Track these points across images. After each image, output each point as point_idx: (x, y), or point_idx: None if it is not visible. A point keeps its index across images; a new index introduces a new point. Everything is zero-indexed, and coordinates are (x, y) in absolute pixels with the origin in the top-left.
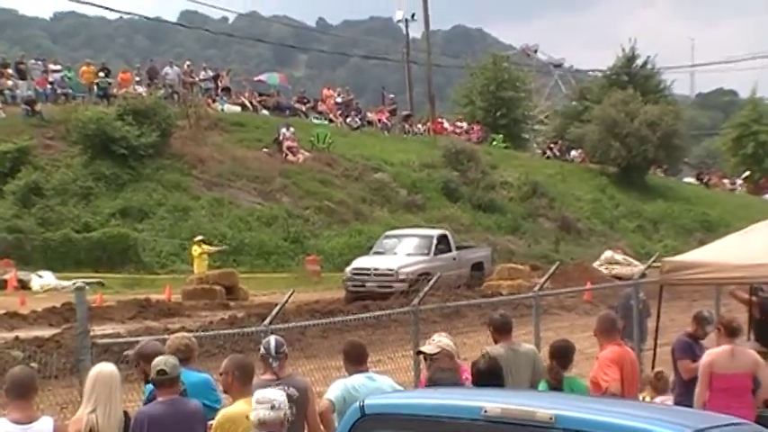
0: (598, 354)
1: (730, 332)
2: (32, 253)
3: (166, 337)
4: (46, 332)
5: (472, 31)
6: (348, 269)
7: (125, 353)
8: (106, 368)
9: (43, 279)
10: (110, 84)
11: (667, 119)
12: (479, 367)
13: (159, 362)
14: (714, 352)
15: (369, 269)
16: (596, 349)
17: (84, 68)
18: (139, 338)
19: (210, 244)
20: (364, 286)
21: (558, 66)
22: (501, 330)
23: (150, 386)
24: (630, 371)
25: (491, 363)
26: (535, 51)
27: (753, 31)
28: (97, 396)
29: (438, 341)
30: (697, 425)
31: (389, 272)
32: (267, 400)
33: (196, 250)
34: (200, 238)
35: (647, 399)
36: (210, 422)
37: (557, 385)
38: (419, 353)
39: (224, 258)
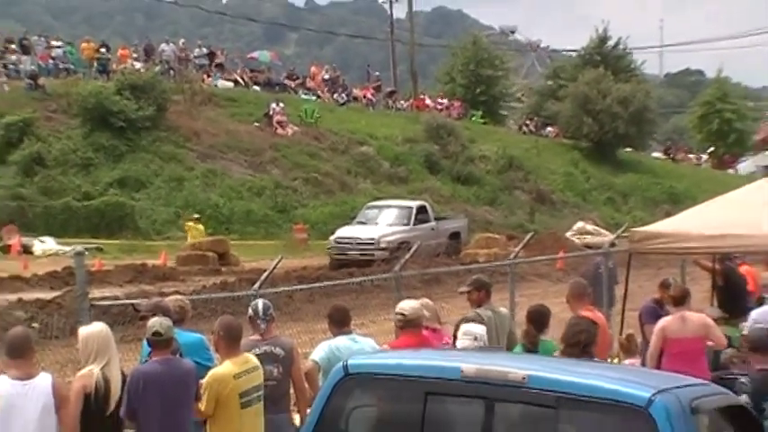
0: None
1: (676, 301)
2: (35, 220)
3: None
4: (47, 295)
5: (453, 12)
6: (332, 238)
7: (137, 304)
8: (103, 327)
9: (45, 244)
10: (109, 60)
11: (638, 97)
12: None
13: (154, 324)
14: (666, 318)
15: (351, 238)
16: (568, 314)
17: (84, 45)
18: (135, 301)
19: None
20: (346, 254)
21: (536, 48)
22: (483, 292)
23: (146, 346)
24: (601, 334)
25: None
26: (512, 32)
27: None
28: (102, 353)
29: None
30: (659, 385)
31: (371, 240)
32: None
33: (190, 229)
34: (196, 216)
35: (617, 361)
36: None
37: (532, 348)
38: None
39: (216, 226)
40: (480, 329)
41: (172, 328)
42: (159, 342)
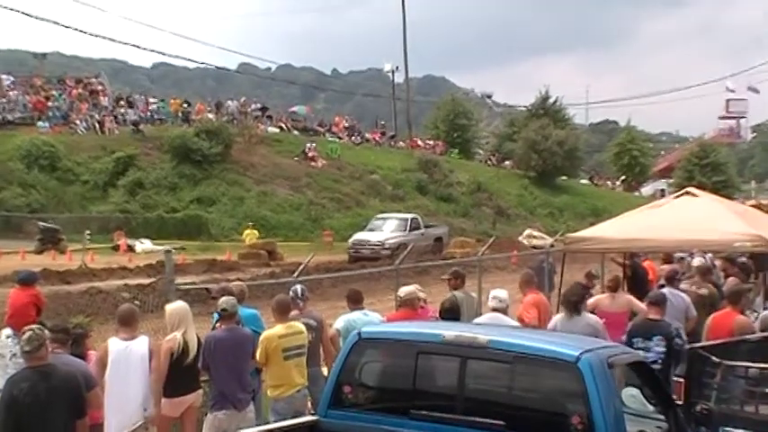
0: (522, 299)
1: (611, 287)
2: (137, 227)
3: (227, 284)
4: (145, 280)
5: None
6: (350, 240)
7: (209, 287)
8: (183, 304)
9: (144, 245)
10: (190, 112)
11: (571, 139)
12: (444, 306)
13: (223, 301)
14: (598, 297)
15: (364, 241)
16: (518, 296)
17: (172, 101)
18: (208, 285)
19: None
20: (361, 253)
21: (489, 96)
22: (459, 280)
23: (216, 317)
24: (544, 311)
25: (452, 303)
26: (473, 90)
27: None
28: (182, 323)
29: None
30: (585, 347)
31: (378, 243)
32: (497, 297)
33: (247, 234)
34: (251, 224)
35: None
36: None
37: None
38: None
39: (266, 232)
40: (503, 293)
41: (236, 305)
42: (226, 315)
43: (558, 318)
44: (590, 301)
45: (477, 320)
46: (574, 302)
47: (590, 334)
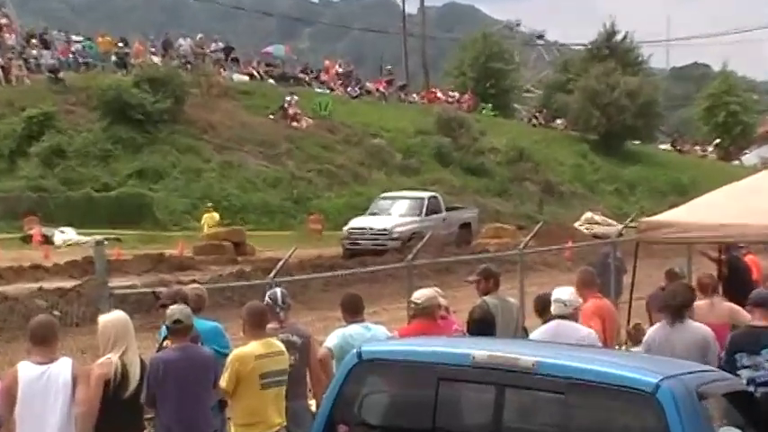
0: (580, 306)
1: (705, 289)
2: (55, 210)
3: (180, 288)
4: (67, 283)
5: (464, 6)
6: (345, 228)
7: (157, 291)
8: (122, 316)
9: (65, 235)
10: (127, 54)
11: (645, 90)
12: (474, 317)
13: (175, 311)
14: (696, 304)
15: (364, 228)
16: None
17: (100, 39)
18: (155, 289)
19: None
20: (359, 244)
21: (541, 36)
22: (491, 281)
23: (164, 332)
24: (610, 321)
25: (485, 312)
26: (518, 25)
27: (725, 9)
28: (121, 341)
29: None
30: (666, 371)
31: (383, 231)
32: (560, 300)
33: (206, 219)
34: (209, 204)
35: (624, 349)
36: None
37: None
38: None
39: (232, 217)
40: (569, 293)
41: (191, 317)
42: (179, 330)
43: (655, 328)
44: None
45: (534, 333)
46: (678, 307)
47: (699, 348)
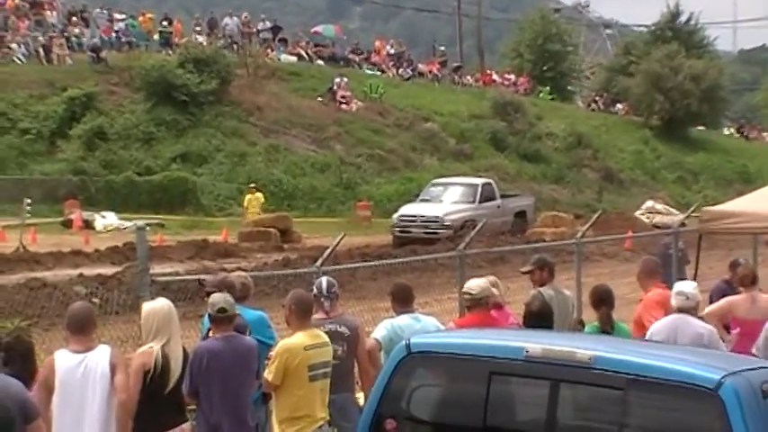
0: (642, 296)
1: (745, 281)
2: (96, 194)
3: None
4: (108, 270)
5: None
6: (395, 215)
7: (202, 279)
8: (166, 304)
9: (106, 219)
10: (171, 33)
11: (710, 73)
12: (532, 309)
13: (219, 300)
14: (735, 298)
15: (415, 216)
16: (635, 295)
17: (142, 18)
18: (197, 276)
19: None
20: (410, 232)
21: (609, 26)
22: (546, 271)
23: (208, 321)
24: None
25: (544, 305)
26: (586, 7)
27: None
28: (164, 330)
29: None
30: (729, 367)
31: (435, 219)
32: (683, 293)
33: (250, 201)
34: (252, 185)
35: None
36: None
37: (610, 330)
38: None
39: (278, 202)
40: (690, 287)
41: (235, 305)
42: (223, 319)
43: None
44: (726, 299)
45: (653, 327)
46: None
47: None
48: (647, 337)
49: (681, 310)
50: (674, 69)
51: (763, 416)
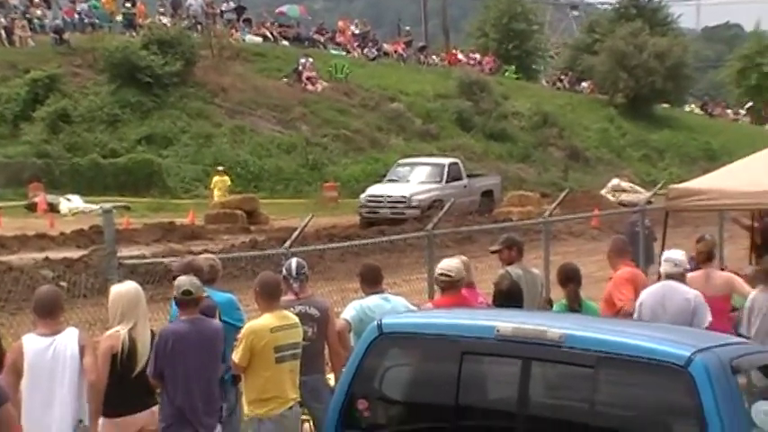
0: (611, 275)
1: (699, 258)
2: (61, 177)
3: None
4: (74, 253)
5: None
6: (362, 196)
7: (171, 263)
8: (133, 287)
9: (71, 203)
10: (135, 14)
11: (674, 51)
12: (501, 288)
13: (184, 282)
14: (692, 274)
15: (382, 196)
16: (603, 273)
17: None
18: (165, 259)
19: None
20: (377, 213)
21: (575, 7)
22: (514, 250)
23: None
24: (643, 290)
25: (513, 284)
26: None
27: None
28: (131, 313)
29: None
30: (699, 344)
31: (402, 199)
32: (671, 259)
33: (217, 183)
34: (220, 168)
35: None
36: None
37: (577, 308)
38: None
39: (245, 184)
40: (679, 254)
41: (201, 288)
42: (189, 301)
43: (754, 295)
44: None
45: (643, 294)
46: None
47: None
48: (637, 304)
49: (669, 277)
50: (639, 47)
51: (733, 391)
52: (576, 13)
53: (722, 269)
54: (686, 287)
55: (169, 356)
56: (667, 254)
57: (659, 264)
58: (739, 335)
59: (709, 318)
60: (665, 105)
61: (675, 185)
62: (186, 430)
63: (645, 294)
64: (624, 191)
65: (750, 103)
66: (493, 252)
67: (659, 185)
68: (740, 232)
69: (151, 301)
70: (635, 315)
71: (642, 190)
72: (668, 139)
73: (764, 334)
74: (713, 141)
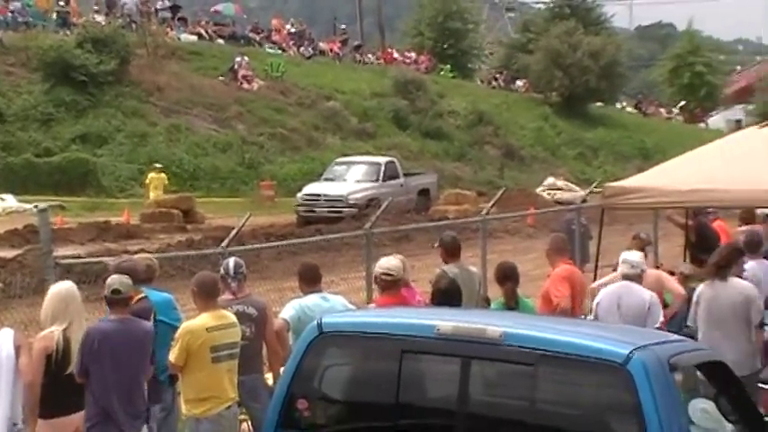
0: (549, 272)
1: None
2: None
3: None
4: (8, 253)
5: None
6: (299, 195)
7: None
8: (71, 287)
9: (5, 202)
10: (69, 13)
11: (608, 50)
12: (440, 287)
13: (113, 281)
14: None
15: (319, 195)
16: (539, 271)
17: None
18: (101, 259)
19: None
20: (314, 211)
21: (511, 9)
22: (452, 251)
23: None
24: (579, 288)
25: (451, 283)
26: None
27: None
28: (64, 314)
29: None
30: (637, 342)
31: (339, 197)
32: (628, 261)
33: (152, 179)
34: (158, 165)
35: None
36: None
37: (514, 306)
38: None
39: (181, 183)
40: (636, 256)
41: (131, 286)
42: (118, 300)
43: (701, 289)
44: (604, 278)
45: (599, 295)
46: (721, 265)
47: (741, 305)
48: (594, 304)
49: (626, 278)
50: (573, 46)
51: (671, 389)
52: (511, 14)
53: (657, 267)
54: (642, 288)
55: (94, 355)
56: (625, 255)
57: (595, 262)
58: (687, 326)
59: (661, 318)
60: (600, 104)
61: (611, 184)
62: (110, 430)
63: (602, 294)
64: (559, 189)
65: (683, 102)
66: (436, 247)
67: (594, 184)
68: (675, 230)
69: (87, 301)
70: (591, 315)
71: (577, 188)
72: (602, 138)
73: (709, 325)
74: (647, 140)
